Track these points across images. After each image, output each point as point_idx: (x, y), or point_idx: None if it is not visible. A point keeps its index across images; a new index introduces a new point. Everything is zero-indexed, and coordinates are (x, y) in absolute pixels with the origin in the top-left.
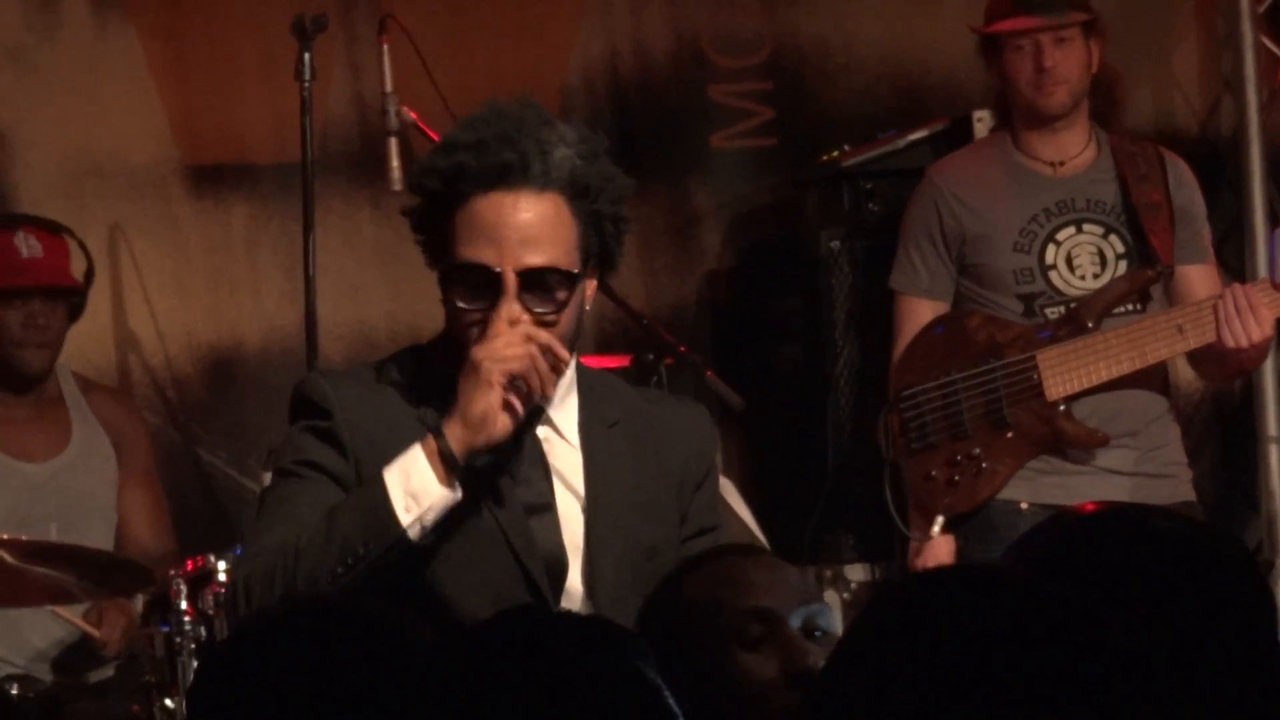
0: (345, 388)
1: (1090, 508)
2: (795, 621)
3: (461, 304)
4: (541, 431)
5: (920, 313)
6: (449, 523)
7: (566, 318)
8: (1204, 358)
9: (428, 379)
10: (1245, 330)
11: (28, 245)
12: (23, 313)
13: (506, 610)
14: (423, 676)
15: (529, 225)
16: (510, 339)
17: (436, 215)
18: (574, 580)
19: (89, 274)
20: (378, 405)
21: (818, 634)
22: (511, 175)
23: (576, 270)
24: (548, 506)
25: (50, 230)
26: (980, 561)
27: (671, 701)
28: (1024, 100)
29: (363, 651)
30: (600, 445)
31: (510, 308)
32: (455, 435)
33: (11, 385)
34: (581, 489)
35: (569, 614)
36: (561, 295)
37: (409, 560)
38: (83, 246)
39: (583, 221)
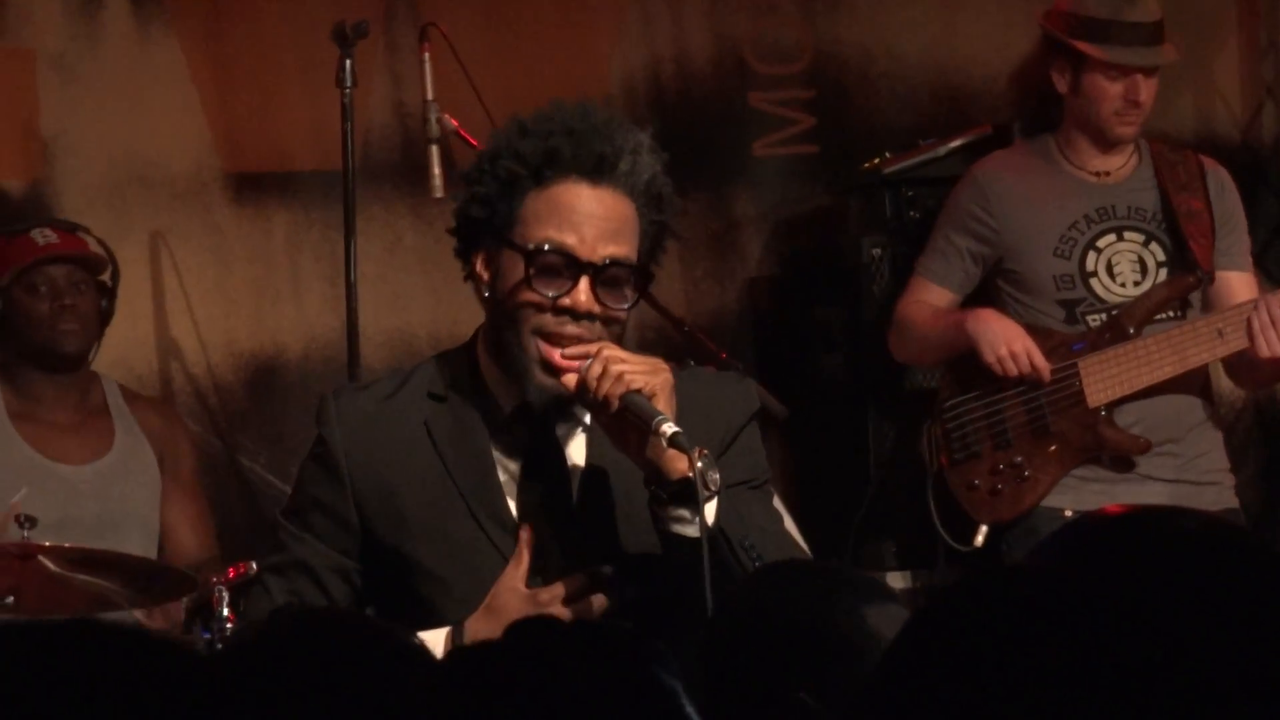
0: (351, 407)
1: (1118, 508)
2: None
3: (538, 286)
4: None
5: (925, 294)
6: (446, 545)
7: (631, 315)
8: (1240, 366)
9: (446, 386)
10: None
11: (43, 236)
12: (49, 296)
13: (516, 623)
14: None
15: (611, 220)
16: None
17: (508, 197)
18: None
19: (114, 274)
20: (385, 421)
21: None
22: (604, 168)
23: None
24: (558, 518)
25: (66, 228)
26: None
27: (689, 707)
28: (1098, 122)
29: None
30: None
31: (587, 297)
32: None
33: (51, 366)
34: (610, 488)
35: (581, 624)
36: (633, 291)
37: (411, 583)
38: (104, 245)
39: (644, 230)
